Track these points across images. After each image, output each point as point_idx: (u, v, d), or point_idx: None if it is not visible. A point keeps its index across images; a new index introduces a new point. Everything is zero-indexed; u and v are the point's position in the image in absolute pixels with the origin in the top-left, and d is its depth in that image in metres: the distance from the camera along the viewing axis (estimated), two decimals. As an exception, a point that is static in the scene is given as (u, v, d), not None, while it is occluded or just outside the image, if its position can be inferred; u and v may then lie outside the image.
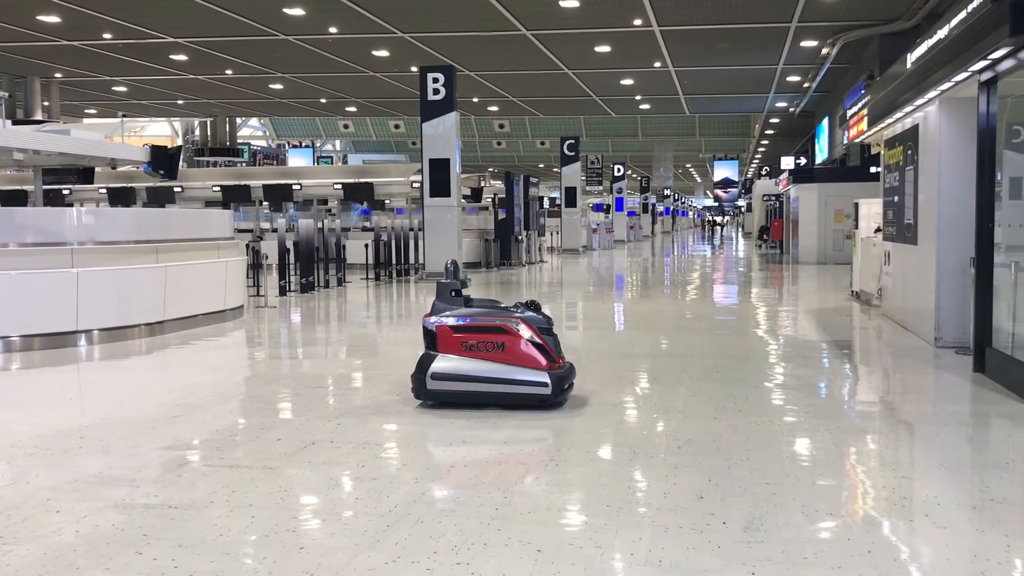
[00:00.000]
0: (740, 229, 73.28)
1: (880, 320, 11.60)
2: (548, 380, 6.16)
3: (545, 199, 45.89)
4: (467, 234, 23.39)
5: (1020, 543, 3.86)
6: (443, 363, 6.17)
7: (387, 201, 26.72)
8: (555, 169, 51.46)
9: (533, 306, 6.48)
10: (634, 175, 65.88)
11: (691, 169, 69.19)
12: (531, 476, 4.79)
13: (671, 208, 72.59)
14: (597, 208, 61.32)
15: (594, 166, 45.55)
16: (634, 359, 8.70)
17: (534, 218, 26.97)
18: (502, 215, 25.28)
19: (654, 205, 63.91)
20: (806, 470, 4.91)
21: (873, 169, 21.03)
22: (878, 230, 12.90)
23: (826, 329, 11.33)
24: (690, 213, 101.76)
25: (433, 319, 6.25)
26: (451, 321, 6.22)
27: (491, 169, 51.24)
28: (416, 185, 22.68)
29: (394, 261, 19.76)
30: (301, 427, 5.93)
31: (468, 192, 27.35)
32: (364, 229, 24.63)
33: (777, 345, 10.03)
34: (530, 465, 4.99)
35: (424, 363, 6.21)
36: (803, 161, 35.50)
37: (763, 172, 49.78)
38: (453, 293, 6.36)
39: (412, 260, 20.58)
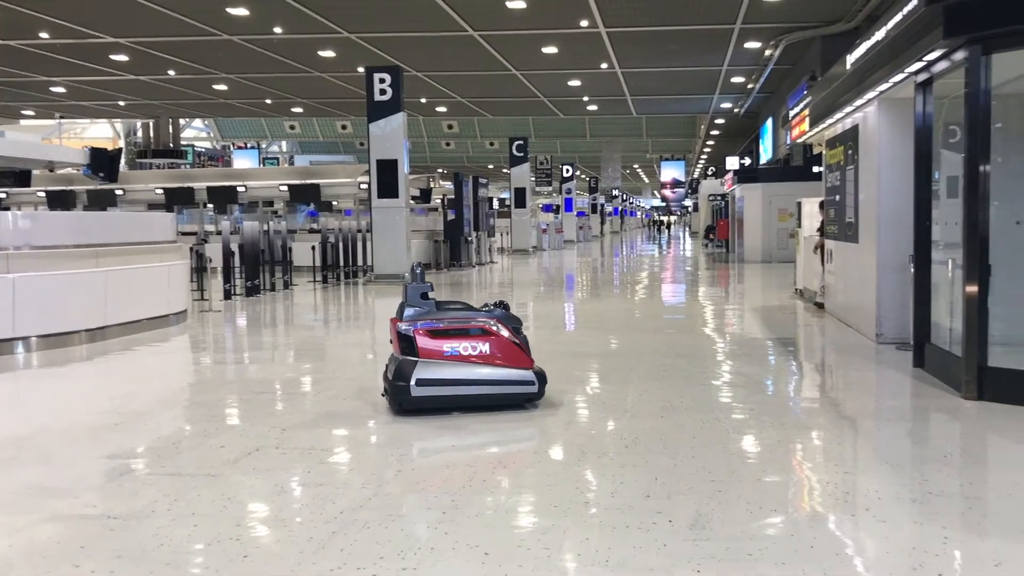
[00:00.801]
0: (687, 229, 74.09)
1: (824, 317, 11.80)
2: (535, 378, 6.22)
3: (495, 200, 45.92)
4: (416, 235, 23.30)
5: (956, 535, 3.95)
6: (428, 368, 6.05)
7: (334, 202, 26.51)
8: (504, 170, 51.45)
9: (502, 306, 6.48)
10: (583, 175, 66.24)
11: (639, 170, 69.79)
12: (480, 479, 4.78)
13: (619, 208, 73.14)
14: (547, 209, 61.42)
15: (543, 167, 45.71)
16: (584, 359, 8.73)
17: (484, 219, 26.97)
18: (451, 216, 25.23)
19: (603, 205, 64.30)
20: (752, 467, 4.97)
21: (816, 169, 21.41)
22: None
23: (771, 327, 11.48)
24: (638, 213, 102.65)
25: (406, 323, 6.15)
26: (429, 324, 6.14)
27: (440, 170, 51.10)
28: (364, 186, 22.54)
29: (342, 263, 19.60)
30: (246, 433, 5.85)
31: (417, 193, 27.24)
32: (311, 231, 24.39)
33: (723, 343, 10.14)
34: (479, 468, 4.97)
35: (404, 370, 6.05)
36: (748, 161, 36.02)
37: (709, 172, 50.43)
38: (422, 296, 6.28)
39: (360, 262, 20.44)
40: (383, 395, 6.45)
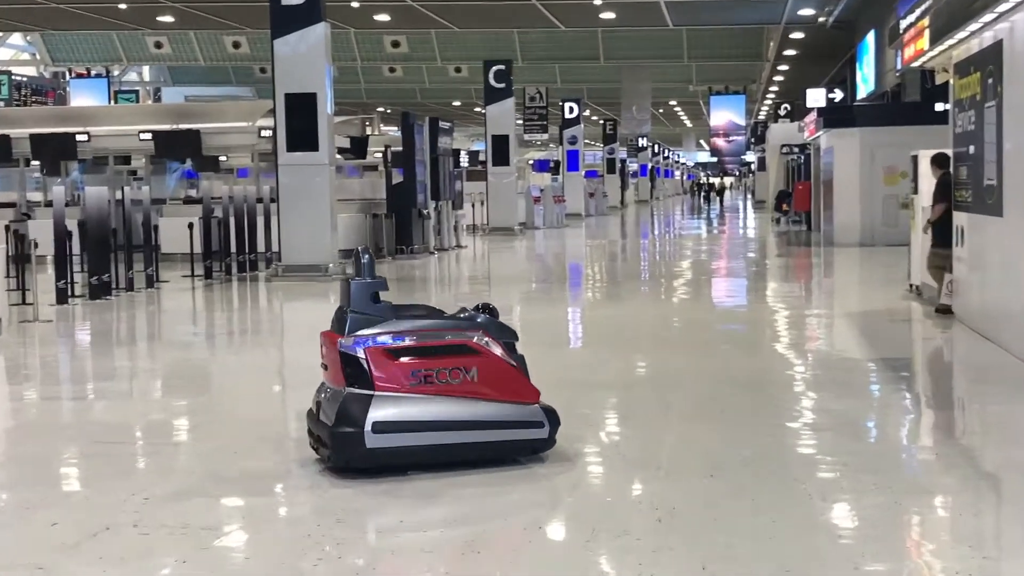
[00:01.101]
0: (749, 196, 74.38)
1: (951, 327, 11.87)
2: (543, 417, 6.27)
3: (463, 153, 45.93)
4: (345, 207, 23.24)
5: None
6: (390, 407, 6.03)
7: (223, 158, 26.41)
8: (478, 109, 51.46)
9: (488, 312, 6.47)
10: (595, 118, 66.33)
11: (678, 109, 70.00)
12: (441, 568, 4.77)
13: (649, 166, 73.40)
14: (541, 167, 61.31)
15: (535, 104, 45.77)
16: (597, 390, 8.74)
17: (447, 182, 26.97)
18: (399, 178, 25.21)
19: (624, 162, 64.49)
20: (846, 550, 4.98)
21: (940, 106, 21.51)
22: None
23: (873, 342, 11.49)
24: (677, 173, 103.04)
25: (351, 340, 6.11)
26: (387, 341, 6.13)
27: (382, 109, 51.05)
28: (266, 134, 22.45)
29: (234, 249, 19.56)
30: (90, 504, 5.82)
31: (347, 144, 27.15)
32: (188, 201, 24.28)
33: (803, 366, 10.15)
34: (440, 553, 4.97)
35: (352, 409, 6.01)
36: (839, 96, 36.17)
37: (781, 113, 50.64)
38: (373, 298, 6.27)
39: (262, 248, 20.37)
40: (314, 447, 6.39)
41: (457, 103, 56.04)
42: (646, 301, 15.96)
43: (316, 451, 6.34)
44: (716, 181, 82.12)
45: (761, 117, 65.60)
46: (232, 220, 19.55)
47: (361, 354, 6.07)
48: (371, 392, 6.03)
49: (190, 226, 18.63)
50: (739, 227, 40.89)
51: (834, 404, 8.17)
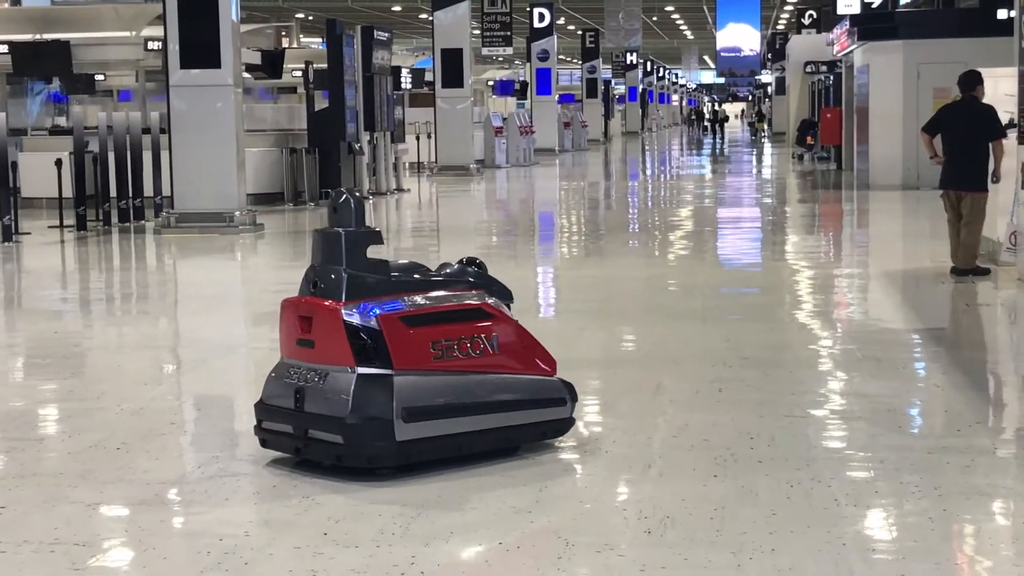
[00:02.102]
0: (764, 126, 74.48)
1: (1015, 289, 11.95)
2: (565, 392, 6.58)
3: (406, 72, 45.69)
4: (257, 139, 23.12)
5: None
6: (416, 388, 6.15)
7: (99, 77, 26.18)
8: (423, 15, 51.27)
9: (476, 267, 6.61)
10: (571, 27, 66.18)
11: (675, 17, 69.90)
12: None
13: (640, 89, 73.36)
14: (503, 89, 61.24)
15: (496, 10, 45.55)
16: (573, 369, 8.67)
17: (384, 109, 26.86)
18: (323, 103, 25.09)
19: (609, 84, 64.42)
20: (883, 568, 5.02)
21: (1003, 13, 21.57)
22: (1010, 125, 13.23)
23: (917, 309, 11.56)
24: (675, 97, 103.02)
25: (355, 307, 6.15)
26: (399, 306, 6.23)
27: (301, 15, 50.80)
28: (154, 46, 22.27)
29: (114, 194, 19.41)
30: (-68, 515, 5.79)
31: (257, 60, 26.95)
32: (55, 132, 24.06)
33: (829, 340, 10.19)
34: (374, 572, 4.99)
35: (375, 394, 6.08)
36: (877, 0, 36.14)
37: (805, 22, 50.63)
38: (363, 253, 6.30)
39: (150, 191, 20.23)
40: (295, 448, 6.35)
41: (397, 8, 55.71)
42: (635, 259, 15.97)
43: (296, 452, 6.30)
44: (722, 108, 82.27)
45: (780, 27, 65.65)
46: (111, 156, 19.39)
47: (375, 324, 6.11)
48: (390, 371, 6.12)
49: (58, 163, 18.48)
50: (752, 164, 40.99)
51: (868, 387, 8.21)
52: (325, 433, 6.13)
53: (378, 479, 6.09)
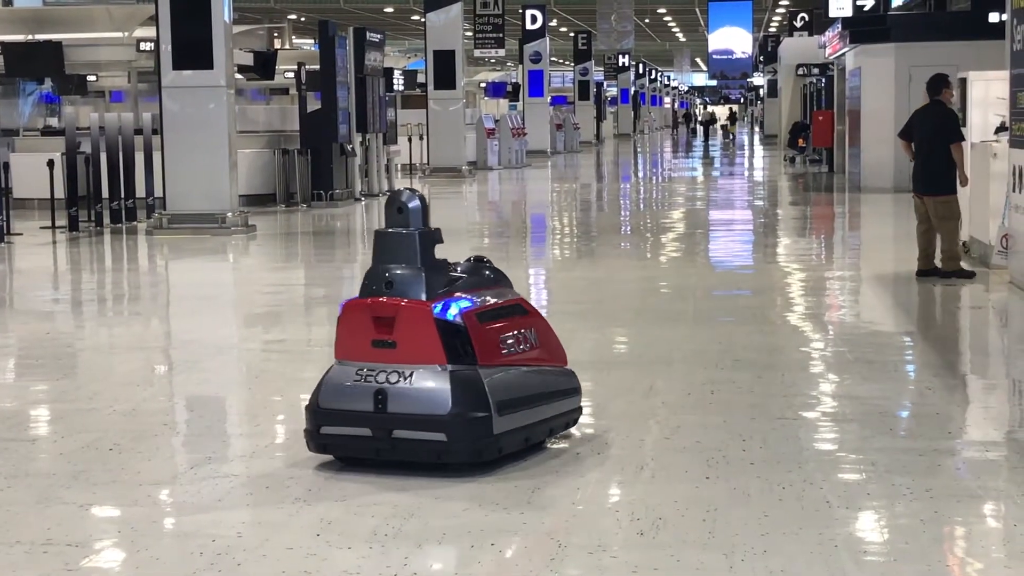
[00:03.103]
0: (757, 127, 74.59)
1: (1006, 292, 11.96)
2: (577, 380, 7.00)
3: (398, 74, 45.72)
4: (249, 140, 23.13)
5: None
6: (499, 382, 6.35)
7: (91, 78, 26.15)
8: (415, 17, 51.28)
9: (482, 264, 6.85)
10: (564, 29, 66.21)
11: (668, 20, 69.96)
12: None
13: (632, 91, 73.41)
14: (496, 91, 61.16)
15: (489, 12, 45.56)
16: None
17: (376, 110, 26.85)
18: (315, 104, 25.07)
19: (601, 86, 64.39)
20: (874, 571, 5.03)
21: (994, 17, 21.62)
22: (1002, 128, 13.25)
23: (909, 311, 11.58)
24: (667, 100, 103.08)
25: (441, 305, 6.29)
26: (474, 304, 6.42)
27: (294, 16, 50.78)
28: (147, 47, 22.26)
29: (106, 194, 19.39)
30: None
31: (249, 61, 26.92)
32: (47, 132, 24.02)
33: (821, 341, 10.22)
34: (367, 573, 4.99)
35: (474, 389, 6.21)
36: (869, 3, 36.20)
37: (797, 24, 50.69)
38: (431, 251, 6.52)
39: (142, 192, 20.21)
40: (378, 449, 6.34)
41: (389, 9, 55.71)
42: (627, 261, 15.98)
43: (376, 453, 6.30)
44: (715, 109, 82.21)
45: (772, 29, 65.68)
46: (104, 157, 19.38)
47: (460, 321, 6.29)
48: (476, 367, 6.29)
49: (50, 164, 18.47)
50: (744, 166, 41.01)
51: (859, 389, 8.23)
52: (420, 432, 6.19)
53: (460, 475, 6.18)
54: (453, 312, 6.26)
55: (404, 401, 6.17)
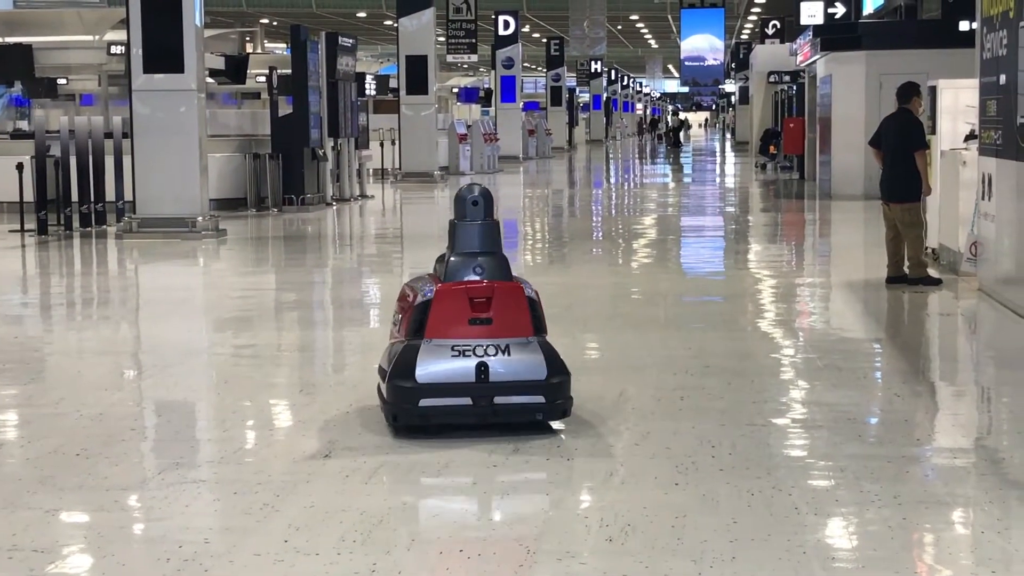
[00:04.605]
0: (728, 134, 74.74)
1: (975, 299, 12.01)
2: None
3: (370, 79, 45.69)
4: (220, 144, 23.08)
5: None
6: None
7: (61, 81, 26.07)
8: (388, 22, 51.24)
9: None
10: (536, 35, 66.28)
11: (641, 27, 70.09)
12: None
13: (604, 97, 73.54)
14: (468, 96, 61.22)
15: (461, 17, 45.60)
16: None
17: (348, 115, 26.82)
18: (287, 108, 25.04)
19: (573, 92, 64.47)
20: (843, 575, 5.05)
21: (964, 25, 21.72)
22: (971, 137, 13.30)
23: (878, 318, 11.60)
24: (639, 106, 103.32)
25: (524, 285, 7.28)
26: (528, 284, 7.41)
27: (266, 21, 50.71)
28: (117, 50, 22.20)
29: (76, 198, 19.31)
30: None
31: (221, 65, 26.88)
32: (16, 135, 23.94)
33: (792, 348, 10.23)
34: (335, 581, 4.97)
35: (556, 357, 7.19)
36: (840, 11, 36.34)
37: (769, 32, 50.87)
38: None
39: (112, 196, 20.13)
40: (480, 413, 7.03)
41: (362, 14, 55.68)
42: (598, 267, 16.00)
43: (479, 417, 7.01)
44: (686, 116, 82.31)
45: (744, 37, 65.89)
46: (73, 160, 19.31)
47: (536, 297, 7.31)
48: (545, 336, 7.30)
49: (19, 167, 18.40)
50: (715, 173, 41.10)
51: (829, 396, 8.24)
52: (520, 397, 7.06)
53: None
54: (528, 291, 7.21)
55: (506, 370, 7.00)
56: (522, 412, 7.06)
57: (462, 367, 6.97)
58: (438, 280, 7.20)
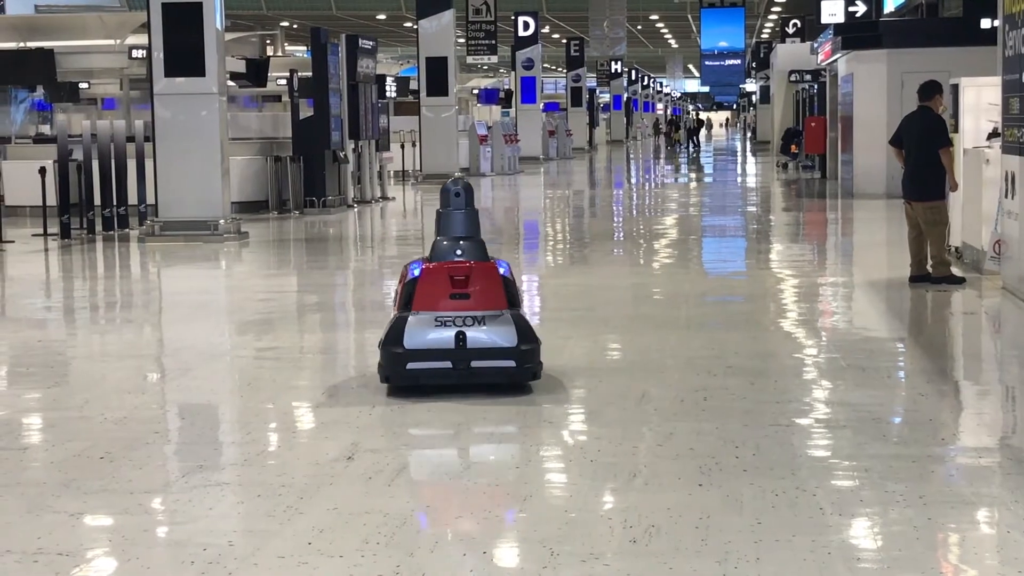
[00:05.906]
0: (749, 134, 74.63)
1: (999, 297, 11.97)
2: None
3: (390, 81, 45.68)
4: (241, 147, 23.10)
5: None
6: (528, 321, 8.32)
7: (83, 85, 26.14)
8: (408, 24, 51.29)
9: None
10: (556, 36, 66.24)
11: (660, 26, 70.01)
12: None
13: (625, 97, 73.45)
14: (488, 98, 61.21)
15: (481, 18, 45.59)
16: (558, 377, 8.73)
17: (369, 117, 26.83)
18: (308, 111, 25.06)
19: (593, 92, 64.42)
20: (867, 576, 5.03)
21: (986, 23, 21.62)
22: (994, 135, 13.26)
23: (902, 317, 11.57)
24: (659, 106, 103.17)
25: (499, 264, 8.24)
26: (507, 264, 8.50)
27: (286, 24, 50.81)
28: (139, 54, 22.25)
29: (98, 202, 19.35)
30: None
31: (242, 68, 26.92)
32: (39, 140, 23.99)
33: (814, 348, 10.20)
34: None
35: (527, 328, 8.12)
36: (861, 9, 36.27)
37: (790, 31, 50.75)
38: None
39: (134, 199, 20.18)
40: (457, 371, 7.95)
41: (382, 16, 55.69)
42: (620, 267, 15.97)
43: (459, 377, 7.93)
44: (707, 116, 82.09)
45: (764, 36, 65.77)
46: (95, 164, 19.34)
47: (509, 275, 8.23)
48: (519, 309, 8.20)
49: (42, 171, 18.43)
50: (735, 173, 41.04)
51: (853, 395, 8.22)
52: (494, 361, 7.97)
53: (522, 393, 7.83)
54: (503, 269, 8.13)
55: (481, 338, 7.90)
56: (496, 374, 7.99)
57: (444, 335, 7.91)
58: (427, 261, 8.18)
